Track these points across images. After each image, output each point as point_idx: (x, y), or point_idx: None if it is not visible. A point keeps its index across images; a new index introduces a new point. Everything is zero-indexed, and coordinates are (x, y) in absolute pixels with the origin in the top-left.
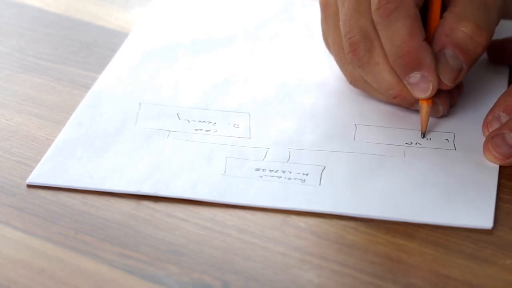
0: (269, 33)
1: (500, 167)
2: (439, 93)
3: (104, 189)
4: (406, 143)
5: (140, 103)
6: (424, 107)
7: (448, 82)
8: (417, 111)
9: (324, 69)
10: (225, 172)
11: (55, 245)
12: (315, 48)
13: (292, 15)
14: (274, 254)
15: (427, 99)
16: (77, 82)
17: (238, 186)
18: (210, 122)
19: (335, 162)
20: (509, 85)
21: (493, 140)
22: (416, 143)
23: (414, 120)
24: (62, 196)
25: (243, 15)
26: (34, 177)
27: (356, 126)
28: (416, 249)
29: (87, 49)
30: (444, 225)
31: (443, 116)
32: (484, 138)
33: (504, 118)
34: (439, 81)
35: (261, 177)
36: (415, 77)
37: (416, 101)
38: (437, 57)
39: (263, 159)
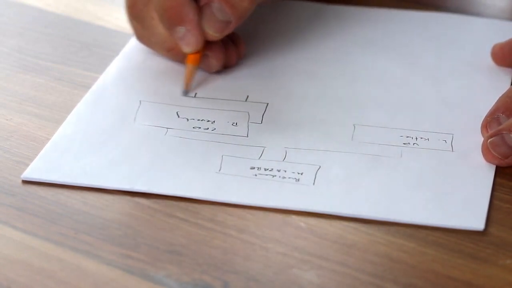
0: (269, 32)
1: (500, 167)
2: (212, 47)
3: (97, 185)
4: (404, 144)
5: (140, 101)
6: (189, 66)
7: (214, 33)
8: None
9: (324, 68)
10: (220, 170)
11: (55, 245)
12: (315, 47)
13: (294, 14)
14: (274, 254)
15: (194, 53)
16: (77, 82)
17: (231, 184)
18: (209, 121)
19: (331, 162)
20: None
21: (492, 140)
22: (413, 144)
23: (413, 120)
24: (62, 196)
25: None
26: (29, 173)
27: (354, 126)
28: (416, 249)
29: (87, 49)
30: (439, 226)
31: (217, 72)
32: (482, 140)
33: (503, 119)
34: (205, 34)
35: (256, 175)
36: (180, 31)
37: (187, 55)
38: (203, 10)
39: (259, 158)
